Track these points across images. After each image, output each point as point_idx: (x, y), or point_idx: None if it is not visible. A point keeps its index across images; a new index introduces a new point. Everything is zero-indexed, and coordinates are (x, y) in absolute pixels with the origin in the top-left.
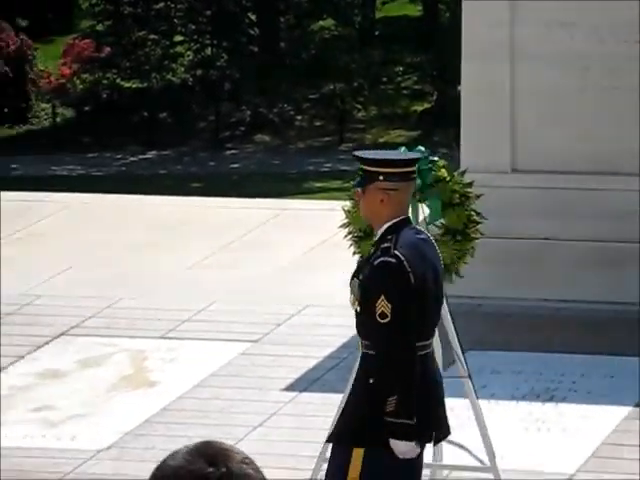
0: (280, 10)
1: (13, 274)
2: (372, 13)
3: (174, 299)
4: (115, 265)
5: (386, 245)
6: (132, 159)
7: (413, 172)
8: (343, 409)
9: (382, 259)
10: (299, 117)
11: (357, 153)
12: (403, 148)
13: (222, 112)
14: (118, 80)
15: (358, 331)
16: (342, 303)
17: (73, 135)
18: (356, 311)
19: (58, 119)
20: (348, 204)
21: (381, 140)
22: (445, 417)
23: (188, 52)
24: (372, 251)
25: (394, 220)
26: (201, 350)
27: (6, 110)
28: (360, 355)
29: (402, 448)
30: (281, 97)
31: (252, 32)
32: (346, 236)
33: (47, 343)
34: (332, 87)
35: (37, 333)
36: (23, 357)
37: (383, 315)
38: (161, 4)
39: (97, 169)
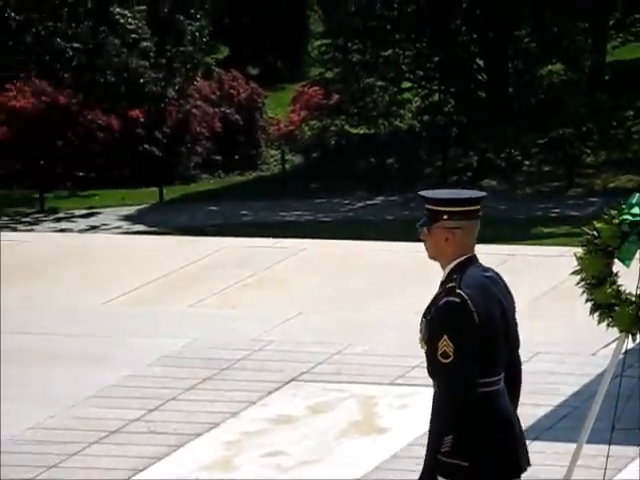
0: (508, 55)
1: (244, 320)
2: (602, 57)
3: (402, 345)
4: (344, 311)
5: (451, 285)
6: (359, 205)
7: (477, 211)
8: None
9: (446, 299)
10: (527, 162)
11: (422, 193)
12: (637, 194)
13: (449, 157)
14: (346, 126)
15: (428, 371)
16: (574, 350)
17: (301, 181)
18: (425, 351)
19: (287, 165)
20: (580, 250)
21: (611, 185)
22: (516, 456)
23: (416, 98)
24: (439, 290)
25: (459, 259)
26: (431, 396)
27: (237, 157)
28: (433, 393)
29: None
30: (509, 142)
31: (480, 77)
32: (578, 283)
33: (278, 389)
34: (561, 132)
35: (268, 379)
36: (254, 403)
37: (445, 355)
38: (389, 51)
39: (325, 214)
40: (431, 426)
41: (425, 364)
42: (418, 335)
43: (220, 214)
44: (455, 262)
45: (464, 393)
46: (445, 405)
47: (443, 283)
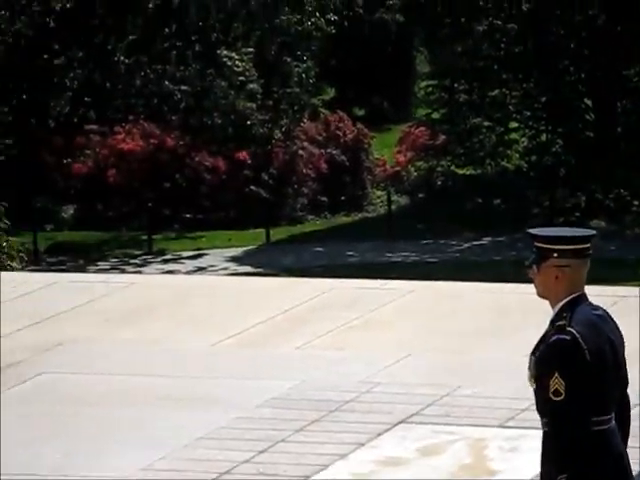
0: (617, 95)
1: (351, 362)
2: None
3: (512, 387)
4: (452, 353)
5: (561, 323)
6: (466, 245)
7: (587, 249)
8: None
9: (557, 336)
10: (636, 202)
11: (531, 230)
12: None
13: (557, 198)
14: (452, 167)
15: (537, 409)
16: None
17: (408, 222)
18: (533, 389)
19: (393, 206)
20: None
21: None
22: None
23: (523, 138)
24: (549, 328)
25: (569, 297)
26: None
27: (343, 198)
28: (542, 433)
29: None
30: (617, 182)
31: (588, 117)
32: None
33: (387, 431)
34: None
35: (376, 420)
36: (363, 444)
37: (557, 393)
38: (496, 91)
39: (431, 255)
40: (543, 467)
41: (534, 406)
42: (527, 373)
43: (326, 255)
44: (565, 300)
45: (576, 431)
46: (558, 444)
47: (553, 321)
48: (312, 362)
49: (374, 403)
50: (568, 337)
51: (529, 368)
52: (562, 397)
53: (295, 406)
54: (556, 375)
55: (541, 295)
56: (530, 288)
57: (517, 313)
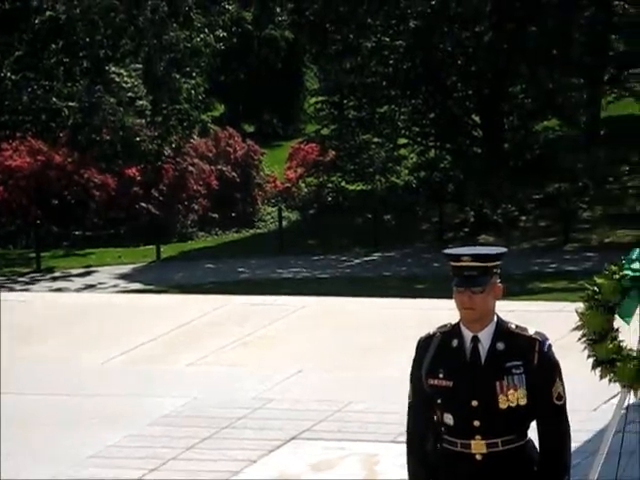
0: (504, 111)
1: (244, 378)
2: (597, 112)
3: (403, 402)
4: (343, 368)
5: (527, 333)
6: (357, 261)
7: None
8: None
9: (547, 343)
10: (523, 217)
11: (467, 250)
12: (637, 250)
13: (446, 213)
14: (342, 183)
15: (499, 427)
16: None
17: (298, 238)
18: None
19: (284, 222)
20: (581, 306)
21: (607, 240)
22: None
23: (412, 154)
24: (502, 346)
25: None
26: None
27: (233, 214)
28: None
29: None
30: (505, 198)
31: (475, 134)
32: (580, 339)
33: (279, 447)
34: (557, 187)
35: (269, 437)
36: (255, 461)
37: (560, 397)
38: (385, 107)
39: (322, 271)
40: (537, 473)
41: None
42: (503, 395)
43: (217, 272)
44: (496, 316)
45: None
46: (561, 448)
47: (511, 335)
48: (204, 379)
49: (266, 420)
50: (549, 341)
51: (510, 386)
52: (563, 399)
53: (187, 423)
54: (557, 380)
55: (477, 318)
56: (420, 303)
57: (408, 328)
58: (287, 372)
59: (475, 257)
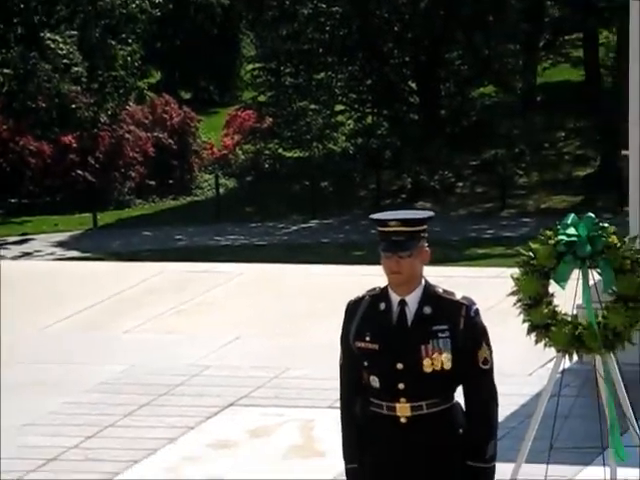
0: (440, 78)
1: (181, 345)
2: (533, 79)
3: None
4: (281, 335)
5: (454, 297)
6: (294, 228)
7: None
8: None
9: (474, 307)
10: (460, 184)
11: (394, 215)
12: (572, 215)
13: (383, 180)
14: (280, 150)
15: (427, 389)
16: (510, 371)
17: (236, 205)
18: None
19: (221, 190)
20: (517, 272)
21: (543, 206)
22: None
23: (349, 121)
24: (429, 311)
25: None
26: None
27: (170, 182)
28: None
29: None
30: (442, 164)
31: (412, 100)
32: (515, 304)
33: (216, 414)
34: (493, 153)
35: (206, 404)
36: (193, 428)
37: (486, 361)
38: (322, 74)
39: (260, 238)
40: (464, 437)
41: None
42: (428, 358)
43: (154, 239)
44: (424, 280)
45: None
46: (487, 412)
47: (438, 299)
48: (142, 346)
49: (204, 386)
50: (477, 306)
51: (435, 350)
52: (489, 364)
53: (124, 390)
54: (483, 344)
55: (405, 281)
56: (358, 269)
57: (345, 294)
58: (225, 339)
59: (402, 222)
